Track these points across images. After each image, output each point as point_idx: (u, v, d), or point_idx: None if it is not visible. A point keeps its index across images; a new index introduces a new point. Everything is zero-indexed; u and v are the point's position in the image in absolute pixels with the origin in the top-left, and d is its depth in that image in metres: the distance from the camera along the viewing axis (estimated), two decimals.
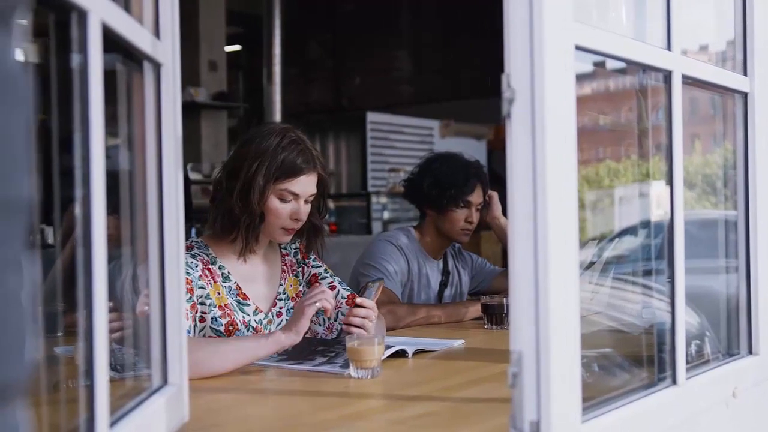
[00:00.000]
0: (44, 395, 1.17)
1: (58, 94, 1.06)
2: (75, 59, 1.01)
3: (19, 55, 0.59)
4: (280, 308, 2.28)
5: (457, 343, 2.32)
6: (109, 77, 1.08)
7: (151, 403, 1.26)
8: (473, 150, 6.56)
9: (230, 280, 2.19)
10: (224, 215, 2.17)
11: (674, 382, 1.50)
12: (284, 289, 2.31)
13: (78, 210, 1.01)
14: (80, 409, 1.04)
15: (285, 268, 2.34)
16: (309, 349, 2.08)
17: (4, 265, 0.54)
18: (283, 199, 2.16)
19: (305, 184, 2.18)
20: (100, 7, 1.02)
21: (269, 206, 2.15)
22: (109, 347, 1.04)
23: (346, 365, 1.88)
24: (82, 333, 1.00)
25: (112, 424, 1.08)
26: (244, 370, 1.91)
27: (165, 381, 1.36)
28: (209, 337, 2.12)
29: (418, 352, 2.14)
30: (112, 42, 1.10)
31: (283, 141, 2.16)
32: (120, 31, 1.12)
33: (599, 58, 1.40)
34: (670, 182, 1.52)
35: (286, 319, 2.25)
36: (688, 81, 1.57)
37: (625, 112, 2.08)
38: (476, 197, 2.99)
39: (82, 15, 0.99)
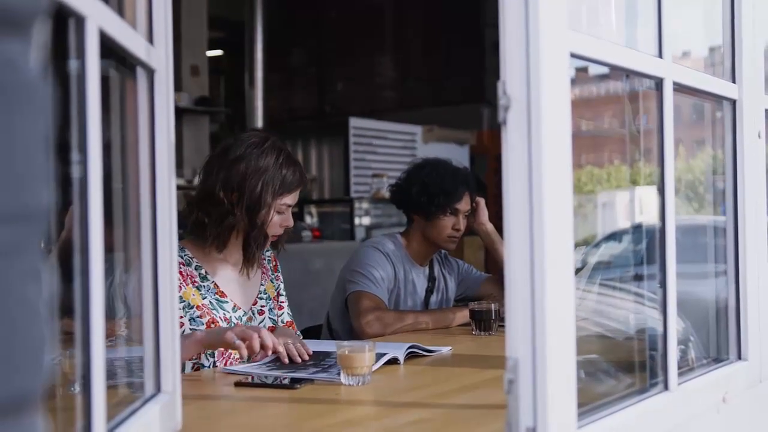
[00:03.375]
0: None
1: (53, 99, 1.05)
2: (72, 65, 1.00)
3: (38, 63, 0.58)
4: (262, 306, 2.37)
5: (446, 349, 2.33)
6: (102, 83, 1.07)
7: (146, 412, 1.25)
8: (456, 155, 6.57)
9: (208, 280, 2.25)
10: (228, 230, 2.23)
11: (666, 387, 1.51)
12: (265, 289, 2.40)
13: (75, 216, 1.00)
14: (75, 418, 1.03)
15: (264, 270, 2.42)
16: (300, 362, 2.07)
17: (23, 274, 0.54)
18: (279, 212, 2.27)
19: (297, 195, 2.31)
20: (97, 13, 1.01)
21: (271, 222, 2.25)
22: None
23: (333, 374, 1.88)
24: (80, 341, 0.99)
25: None
26: (236, 379, 1.90)
27: (158, 389, 1.35)
28: None
29: (411, 355, 2.15)
30: (106, 48, 1.10)
31: (280, 158, 2.26)
32: (116, 38, 1.11)
33: (582, 64, 1.41)
34: (661, 188, 1.53)
35: (269, 317, 2.36)
36: (678, 88, 1.58)
37: (608, 117, 2.09)
38: (464, 205, 2.99)
39: (80, 21, 0.98)
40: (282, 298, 2.47)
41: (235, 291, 2.29)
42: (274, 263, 2.47)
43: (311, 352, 2.09)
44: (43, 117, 0.57)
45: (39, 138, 0.56)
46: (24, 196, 0.54)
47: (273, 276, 2.45)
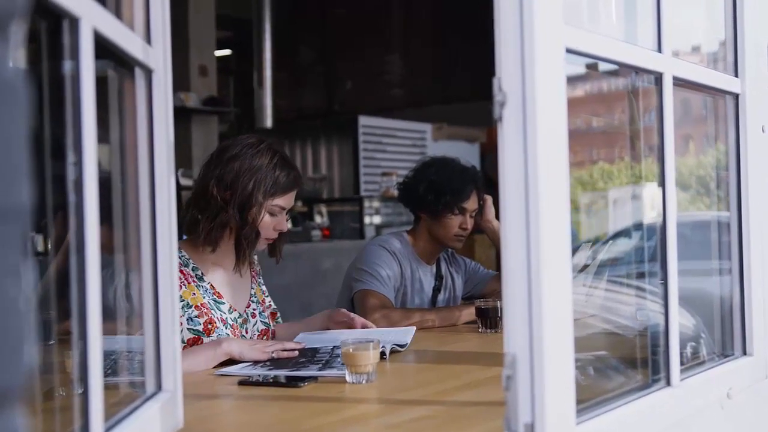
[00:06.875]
0: (37, 403, 1.17)
1: (49, 100, 1.05)
2: (66, 66, 1.01)
3: (17, 62, 0.59)
4: (253, 310, 2.41)
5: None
6: (100, 83, 1.08)
7: (146, 410, 1.26)
8: (466, 153, 6.56)
9: (204, 281, 2.28)
10: (219, 227, 2.24)
11: (668, 383, 1.51)
12: (254, 293, 2.44)
13: (71, 217, 1.00)
14: (74, 417, 1.04)
15: (254, 274, 2.47)
16: (296, 360, 2.07)
17: (3, 271, 0.54)
18: (272, 214, 2.29)
19: (292, 199, 2.33)
20: (91, 14, 1.02)
21: (261, 221, 2.26)
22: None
23: (343, 368, 1.87)
24: (76, 340, 1.00)
25: (107, 430, 1.08)
26: (238, 378, 1.90)
27: (159, 387, 1.36)
28: (187, 339, 2.19)
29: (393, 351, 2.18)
30: (103, 48, 1.10)
31: (274, 159, 2.28)
32: (111, 38, 1.12)
33: (591, 60, 1.41)
34: (662, 183, 1.53)
35: (260, 321, 2.40)
36: (679, 83, 1.57)
37: (617, 113, 2.08)
38: (471, 204, 2.98)
39: (74, 22, 0.99)
40: (267, 298, 2.51)
41: (230, 293, 2.33)
42: (259, 269, 2.52)
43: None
44: (23, 116, 0.57)
45: (18, 136, 0.56)
46: (3, 194, 0.54)
47: (259, 281, 2.49)
